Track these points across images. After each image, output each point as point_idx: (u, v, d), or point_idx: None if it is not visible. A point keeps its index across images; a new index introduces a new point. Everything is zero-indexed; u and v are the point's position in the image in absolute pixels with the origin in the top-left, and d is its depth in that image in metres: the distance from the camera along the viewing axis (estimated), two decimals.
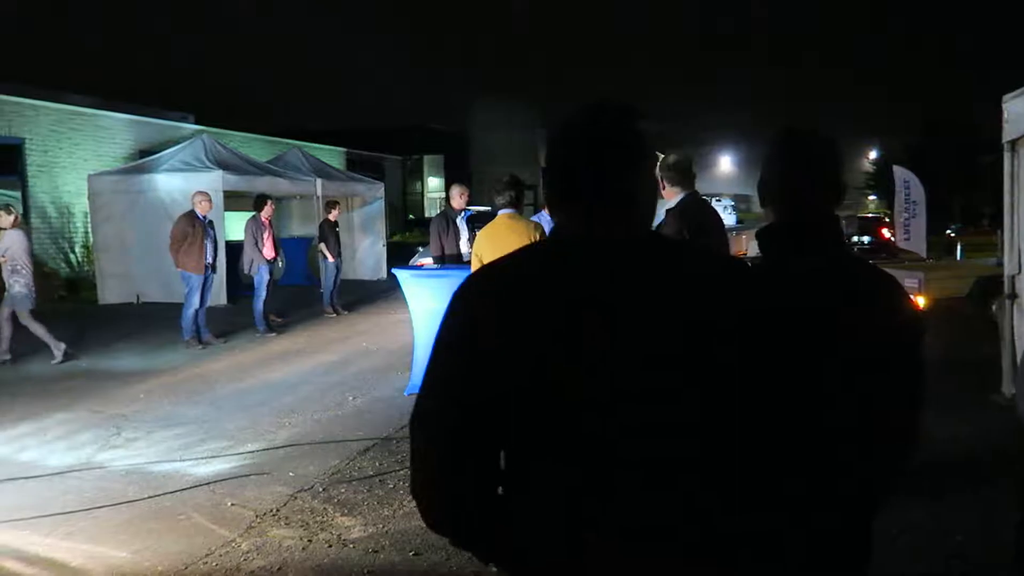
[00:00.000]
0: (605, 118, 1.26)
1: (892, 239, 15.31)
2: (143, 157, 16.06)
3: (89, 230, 14.87)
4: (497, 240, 4.98)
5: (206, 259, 9.54)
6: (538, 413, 1.19)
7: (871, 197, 51.38)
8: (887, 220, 22.48)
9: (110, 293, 13.85)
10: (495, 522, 1.24)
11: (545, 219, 6.15)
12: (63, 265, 15.40)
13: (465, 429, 1.20)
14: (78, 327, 11.19)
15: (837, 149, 1.61)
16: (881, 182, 42.95)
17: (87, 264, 15.36)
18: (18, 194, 15.16)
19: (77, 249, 15.80)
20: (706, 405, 1.16)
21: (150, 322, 11.39)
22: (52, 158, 15.71)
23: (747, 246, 13.56)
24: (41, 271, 14.08)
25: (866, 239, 21.14)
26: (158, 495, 4.52)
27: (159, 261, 12.81)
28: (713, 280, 1.23)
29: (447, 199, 8.05)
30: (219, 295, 12.64)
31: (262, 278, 10.35)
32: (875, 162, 50.42)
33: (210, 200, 9.88)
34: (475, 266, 6.14)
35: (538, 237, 5.09)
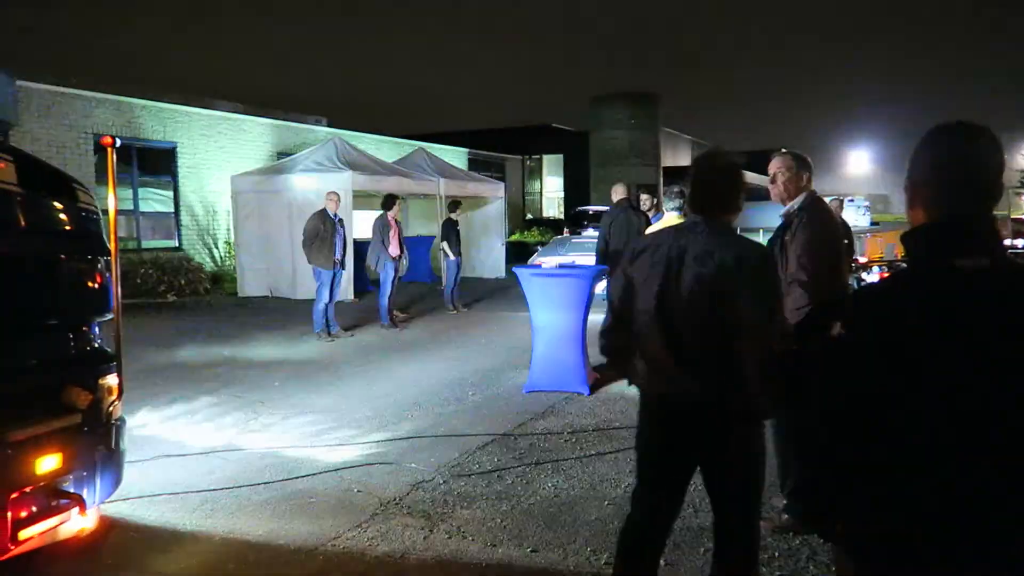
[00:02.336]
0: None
1: None
2: (280, 159, 17.02)
3: (231, 227, 15.90)
4: None
5: (335, 255, 9.99)
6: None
7: None
8: None
9: (248, 286, 14.77)
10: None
11: (666, 217, 6.44)
12: (208, 260, 16.56)
13: None
14: (221, 317, 12.02)
15: (996, 144, 1.50)
16: None
17: (229, 259, 16.46)
18: (171, 193, 16.45)
19: (220, 245, 16.96)
20: None
21: (284, 314, 12.06)
22: (200, 160, 16.93)
23: (883, 249, 12.79)
24: (189, 265, 15.26)
25: (1020, 243, 19.50)
26: (291, 478, 4.79)
27: (293, 257, 13.56)
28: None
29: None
30: (347, 291, 13.23)
31: (388, 275, 10.73)
32: None
33: (339, 200, 10.33)
34: None
35: None
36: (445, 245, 12.61)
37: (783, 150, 4.19)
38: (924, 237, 1.48)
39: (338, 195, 10.34)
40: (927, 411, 1.35)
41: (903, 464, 1.37)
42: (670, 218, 7.23)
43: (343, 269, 10.36)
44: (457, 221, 12.98)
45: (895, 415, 1.37)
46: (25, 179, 3.14)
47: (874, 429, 1.40)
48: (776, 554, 3.64)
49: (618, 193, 8.55)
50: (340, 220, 10.27)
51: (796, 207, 3.82)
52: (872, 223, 34.01)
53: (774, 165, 4.00)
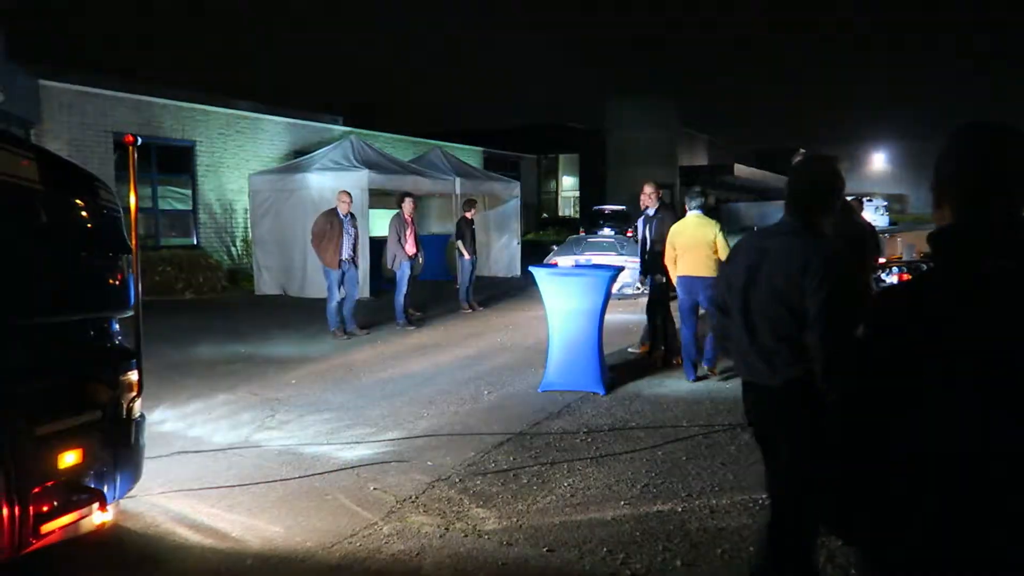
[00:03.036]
0: None
1: None
2: (297, 157, 17.11)
3: (248, 225, 16.01)
4: (687, 232, 7.26)
5: (341, 255, 9.95)
6: None
7: None
8: None
9: (265, 284, 14.85)
10: None
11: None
12: (225, 257, 16.68)
13: None
14: (238, 315, 12.10)
15: (1023, 144, 1.48)
16: None
17: (246, 257, 16.57)
18: (189, 191, 16.58)
19: (238, 243, 17.08)
20: None
21: (300, 312, 12.12)
22: (218, 159, 17.05)
23: (902, 249, 12.66)
24: (207, 262, 15.39)
25: None
26: (308, 475, 4.81)
27: (305, 255, 13.64)
28: None
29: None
30: (363, 289, 13.28)
31: (403, 273, 10.76)
32: None
33: (350, 200, 10.30)
34: (669, 252, 7.46)
35: (719, 231, 7.22)
36: (460, 244, 12.63)
37: (802, 150, 4.17)
38: (950, 238, 1.46)
39: (349, 195, 10.37)
40: (951, 414, 1.33)
41: (925, 467, 1.35)
42: (692, 217, 7.30)
43: (355, 268, 10.35)
44: (472, 220, 12.97)
45: (918, 417, 1.36)
46: (47, 177, 3.18)
47: (897, 431, 1.38)
48: None
49: (651, 193, 8.33)
50: (353, 218, 10.29)
51: None
52: (891, 223, 33.70)
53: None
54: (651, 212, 8.32)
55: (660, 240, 7.97)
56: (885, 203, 38.06)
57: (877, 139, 65.91)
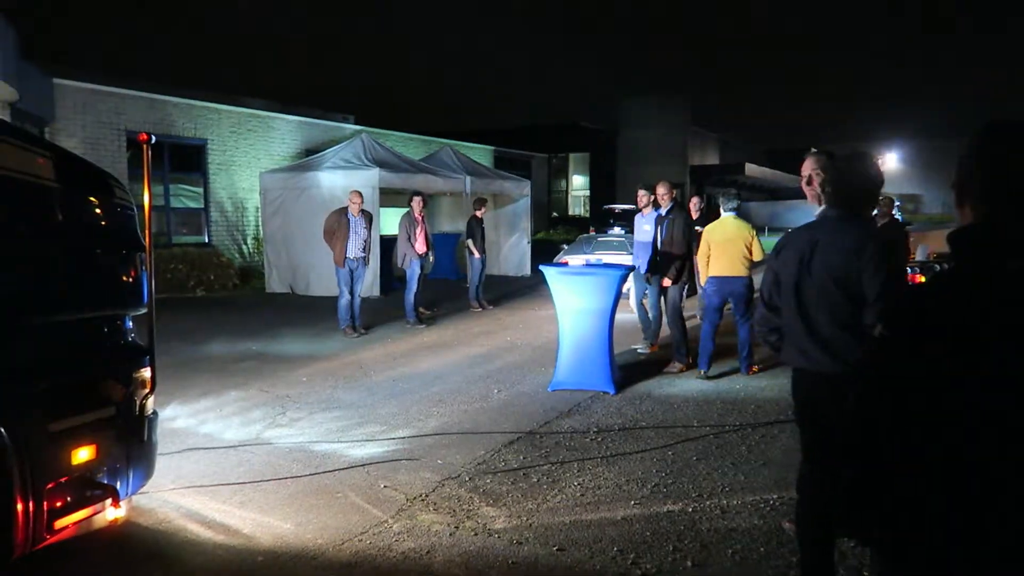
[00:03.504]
0: None
1: None
2: (308, 156, 17.16)
3: (259, 224, 16.07)
4: (724, 233, 7.51)
5: (347, 253, 9.97)
6: None
7: None
8: None
9: (275, 282, 14.91)
10: None
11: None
12: (236, 255, 16.74)
13: None
14: (249, 313, 12.15)
15: None
16: None
17: (257, 255, 16.64)
18: (200, 189, 16.66)
19: (249, 241, 17.14)
20: None
21: (310, 310, 12.16)
22: (230, 157, 17.12)
23: (916, 249, 12.56)
24: (218, 260, 15.46)
25: None
26: (319, 473, 4.83)
27: (317, 253, 13.67)
28: None
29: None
30: (372, 287, 13.31)
31: (414, 272, 10.78)
32: None
33: (360, 200, 10.26)
34: (703, 251, 7.70)
35: (755, 234, 7.59)
36: (470, 243, 12.63)
37: (814, 150, 4.14)
38: (972, 237, 1.44)
39: (360, 195, 10.38)
40: (972, 414, 1.32)
41: (945, 468, 1.34)
42: (728, 218, 7.42)
43: (365, 266, 10.37)
44: (483, 219, 12.98)
45: (939, 418, 1.35)
46: (63, 175, 3.20)
47: (917, 432, 1.37)
48: None
49: (664, 194, 8.28)
50: (366, 217, 10.29)
51: None
52: (904, 223, 33.41)
53: (807, 166, 3.93)
54: (662, 212, 8.29)
55: (672, 242, 7.97)
56: (898, 203, 37.79)
57: (888, 138, 65.44)
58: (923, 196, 54.99)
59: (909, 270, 10.80)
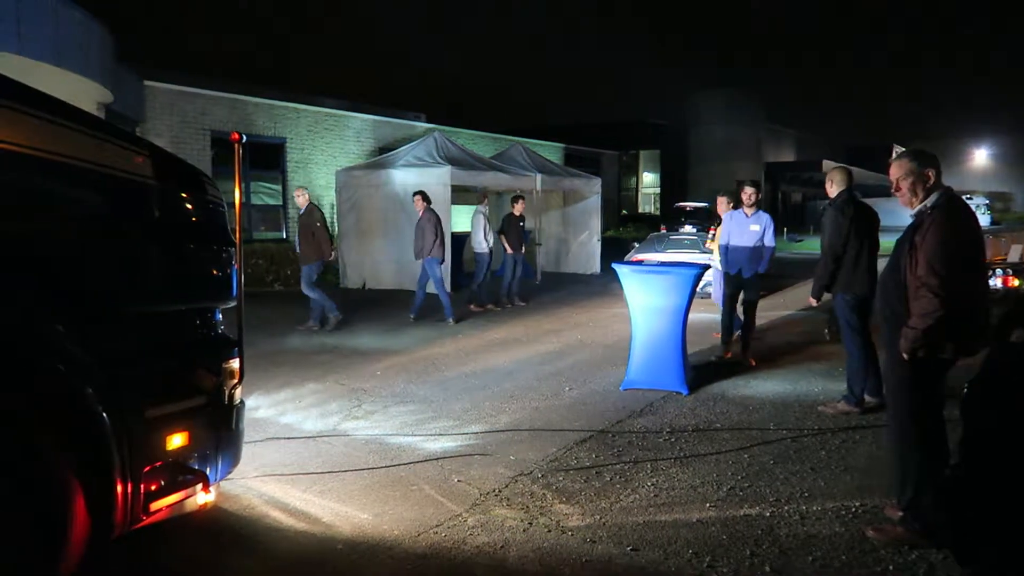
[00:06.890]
0: None
1: None
2: (382, 154, 17.48)
3: (335, 220, 16.46)
4: None
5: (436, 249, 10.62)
6: None
7: None
8: None
9: (350, 278, 15.24)
10: None
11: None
12: None
13: None
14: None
15: None
16: None
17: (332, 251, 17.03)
18: (279, 187, 17.16)
19: None
20: None
21: (382, 306, 12.39)
22: (307, 155, 17.59)
23: (1007, 250, 11.95)
24: (295, 256, 15.88)
25: None
26: (394, 465, 4.92)
27: (388, 249, 13.91)
28: None
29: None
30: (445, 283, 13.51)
31: (481, 267, 11.16)
32: None
33: (423, 199, 10.89)
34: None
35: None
36: (503, 239, 12.53)
37: (899, 149, 4.01)
38: None
39: (423, 194, 10.91)
40: None
41: None
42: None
43: (439, 260, 10.74)
44: (521, 216, 12.70)
45: None
46: (160, 173, 3.34)
47: None
48: (891, 567, 3.48)
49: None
50: (428, 213, 10.80)
51: (929, 205, 3.63)
52: (993, 222, 31.87)
53: (894, 171, 3.79)
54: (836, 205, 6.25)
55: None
56: (987, 201, 36.02)
57: (981, 133, 62.39)
58: (1014, 194, 52.27)
59: (1001, 272, 10.31)
